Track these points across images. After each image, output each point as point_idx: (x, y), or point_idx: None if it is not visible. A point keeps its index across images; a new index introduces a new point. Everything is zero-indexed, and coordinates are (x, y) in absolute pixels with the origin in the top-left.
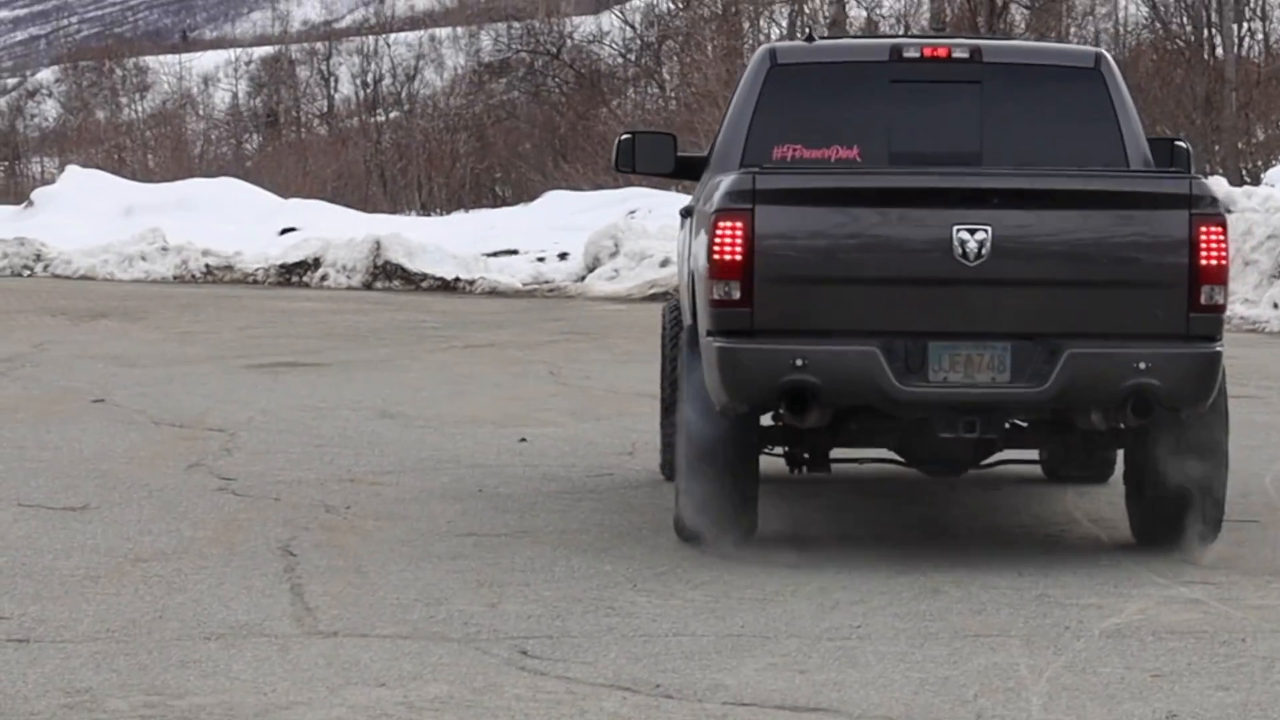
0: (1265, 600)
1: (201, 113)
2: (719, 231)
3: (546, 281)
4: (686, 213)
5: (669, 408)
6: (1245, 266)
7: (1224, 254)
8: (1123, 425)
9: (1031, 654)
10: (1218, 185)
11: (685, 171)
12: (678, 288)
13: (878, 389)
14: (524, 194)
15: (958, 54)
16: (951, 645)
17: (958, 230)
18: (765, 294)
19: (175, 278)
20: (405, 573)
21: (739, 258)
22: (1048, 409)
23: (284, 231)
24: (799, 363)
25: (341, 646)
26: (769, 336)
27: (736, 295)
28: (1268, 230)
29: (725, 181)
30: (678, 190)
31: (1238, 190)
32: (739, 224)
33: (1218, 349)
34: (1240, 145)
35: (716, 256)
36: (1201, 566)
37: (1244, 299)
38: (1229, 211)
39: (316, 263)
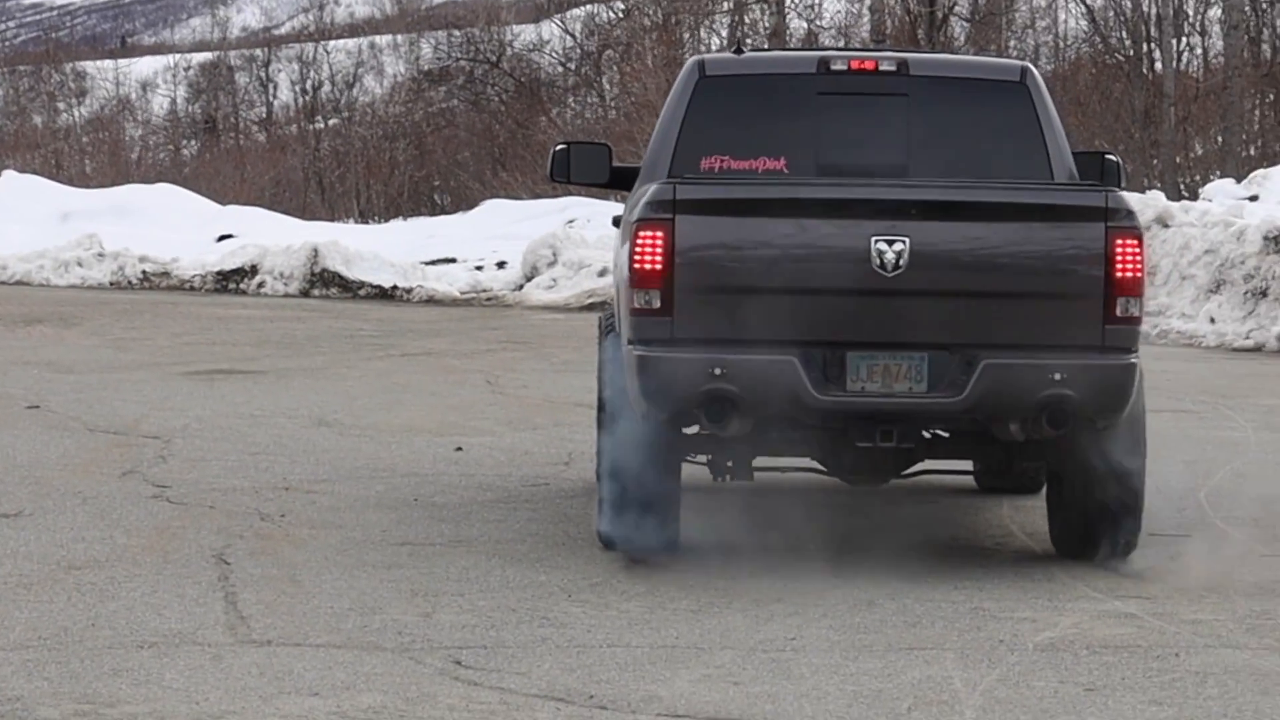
0: (1199, 615)
1: (139, 118)
2: (640, 241)
3: (484, 290)
4: (618, 222)
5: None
6: (1182, 281)
7: (1139, 266)
8: (1040, 436)
9: (965, 667)
10: (1155, 200)
11: (620, 182)
12: (613, 297)
13: (795, 398)
14: (463, 202)
15: (885, 67)
16: (886, 658)
17: (876, 241)
18: (685, 303)
19: (112, 284)
20: (339, 581)
21: (659, 267)
22: (965, 419)
23: (221, 238)
24: (718, 371)
25: (275, 655)
26: (689, 345)
27: (657, 304)
28: (1204, 245)
29: (647, 191)
30: (616, 200)
31: (1175, 205)
32: (659, 234)
33: (1133, 360)
34: (1178, 160)
35: (637, 265)
36: (1136, 581)
37: (1181, 313)
38: (1166, 226)
39: (254, 270)
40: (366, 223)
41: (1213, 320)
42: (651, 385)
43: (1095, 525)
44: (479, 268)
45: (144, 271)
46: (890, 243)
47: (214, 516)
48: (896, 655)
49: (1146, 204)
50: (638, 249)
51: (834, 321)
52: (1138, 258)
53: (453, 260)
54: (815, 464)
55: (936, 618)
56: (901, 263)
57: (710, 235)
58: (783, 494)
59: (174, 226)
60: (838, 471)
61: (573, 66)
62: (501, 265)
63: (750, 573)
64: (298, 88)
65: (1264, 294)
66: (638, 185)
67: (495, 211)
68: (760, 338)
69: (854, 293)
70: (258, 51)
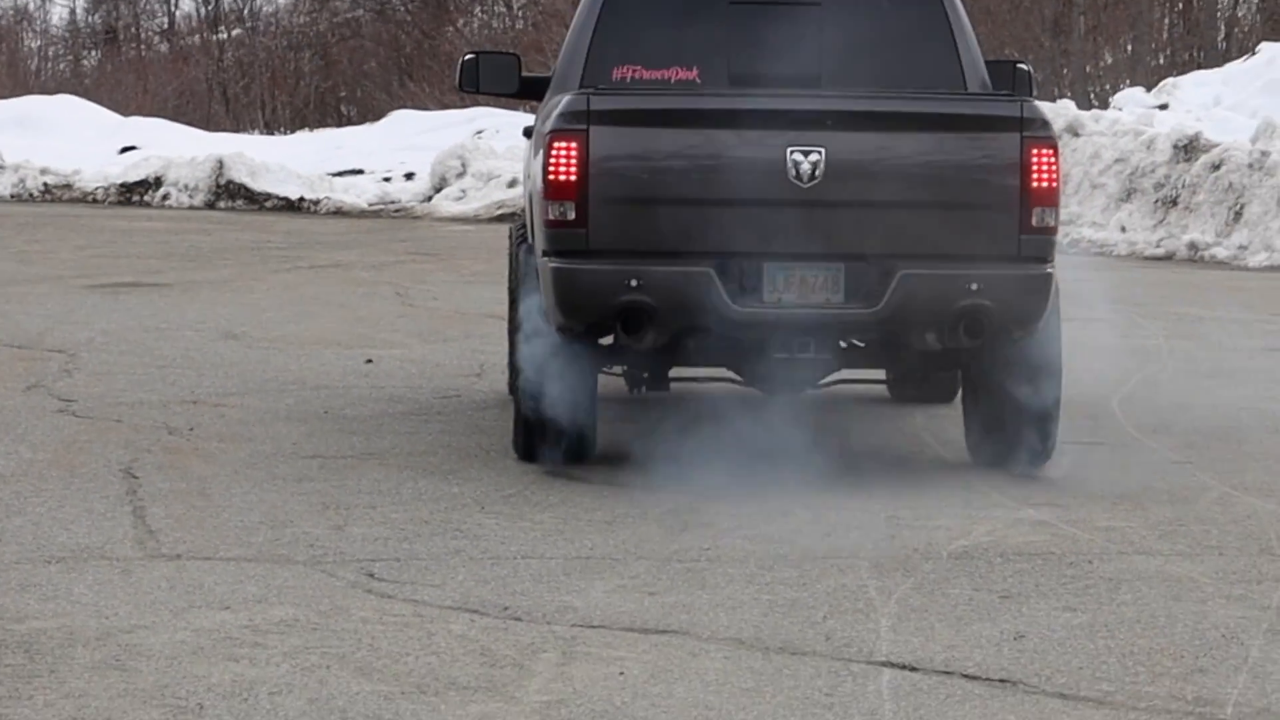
0: (1112, 522)
1: (38, 29)
2: (554, 152)
3: (393, 202)
4: (529, 133)
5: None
6: (1093, 190)
7: (1055, 176)
8: (957, 346)
9: (880, 576)
10: (1065, 109)
11: (529, 92)
12: (524, 208)
13: (712, 310)
14: (369, 113)
15: None
16: (801, 567)
17: (791, 152)
18: (600, 215)
19: (12, 196)
20: (249, 495)
21: (573, 178)
22: (882, 330)
23: (124, 150)
24: (634, 283)
25: (184, 570)
26: (604, 257)
27: (571, 216)
28: (1115, 154)
29: (561, 102)
30: (525, 110)
31: (1086, 114)
32: (573, 145)
33: (1049, 270)
34: (1088, 69)
35: (551, 177)
36: (1050, 489)
37: (1092, 222)
38: (1076, 135)
39: (158, 182)
40: (272, 134)
41: (1124, 229)
42: (567, 297)
43: (1010, 434)
44: (387, 179)
45: (45, 184)
46: (806, 154)
47: (121, 431)
48: (811, 564)
49: (1057, 113)
50: (551, 160)
51: (750, 233)
52: (1053, 168)
53: (360, 172)
54: (732, 375)
55: (851, 527)
56: (817, 173)
57: (625, 146)
58: (698, 405)
59: (76, 138)
60: (754, 382)
61: None
62: (410, 177)
63: (665, 484)
64: None
65: (1174, 203)
66: (549, 96)
67: (403, 122)
68: (677, 249)
69: (770, 204)
70: None
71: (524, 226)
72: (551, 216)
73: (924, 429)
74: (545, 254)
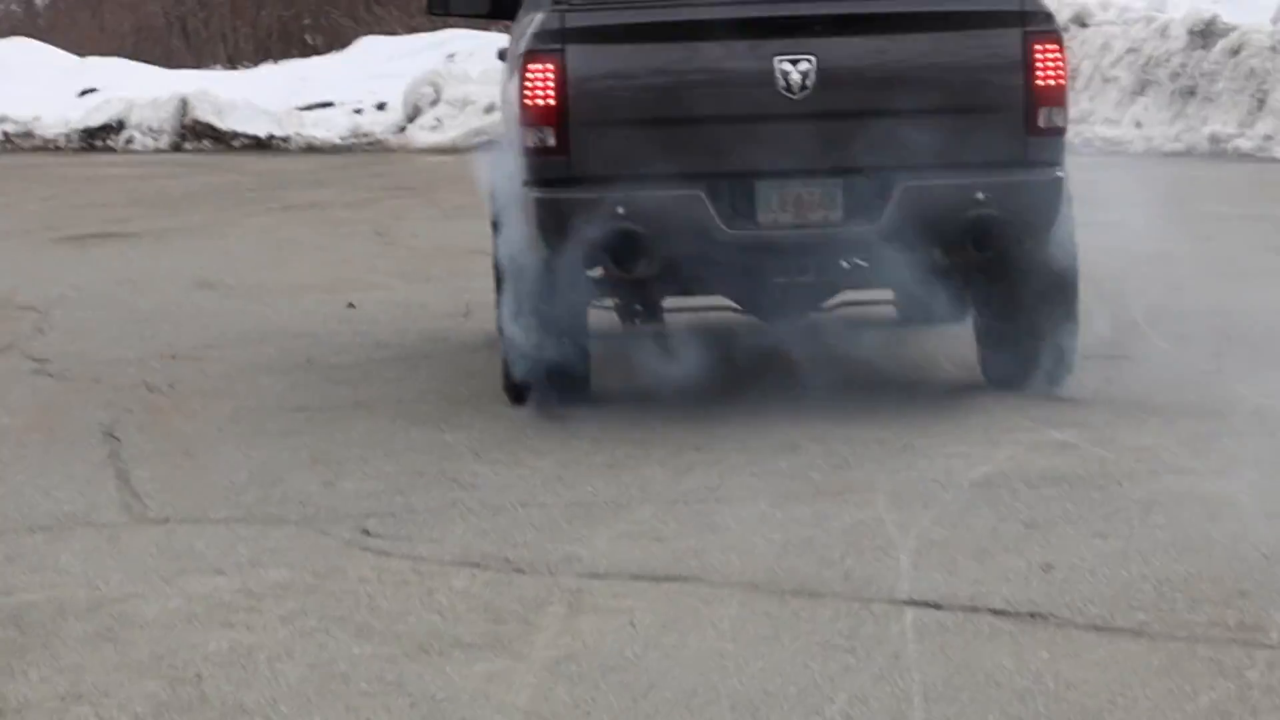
0: (1140, 440)
1: None
2: (529, 75)
3: (365, 134)
4: (504, 56)
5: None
6: (1104, 84)
7: (1062, 73)
8: (965, 260)
9: (898, 509)
10: None
11: (502, 11)
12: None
13: (704, 234)
14: (336, 41)
15: None
16: (814, 504)
17: (779, 62)
18: (582, 139)
19: None
20: (236, 453)
21: (552, 102)
22: (884, 247)
23: (84, 93)
24: (621, 210)
25: (174, 534)
26: (588, 184)
27: (551, 142)
28: (1126, 44)
29: (534, 21)
30: (500, 30)
31: (1093, 1)
32: (550, 66)
33: (1059, 174)
34: None
35: (528, 101)
36: (1073, 407)
37: (1104, 119)
38: (1084, 25)
39: (120, 125)
40: (235, 68)
41: (1139, 124)
42: (550, 228)
43: (1027, 351)
44: (358, 111)
45: (4, 132)
46: (795, 62)
47: (99, 390)
48: (825, 500)
49: (1062, 2)
50: (528, 84)
51: (741, 150)
52: (1059, 64)
53: (330, 104)
54: (729, 303)
55: (865, 459)
56: (808, 83)
57: (604, 65)
58: (696, 337)
59: (32, 82)
60: (753, 309)
61: None
62: (381, 107)
63: (666, 422)
64: None
65: (1192, 93)
66: (522, 14)
67: (371, 50)
68: (664, 172)
69: (760, 118)
70: None
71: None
72: (530, 143)
73: (936, 350)
74: (526, 183)
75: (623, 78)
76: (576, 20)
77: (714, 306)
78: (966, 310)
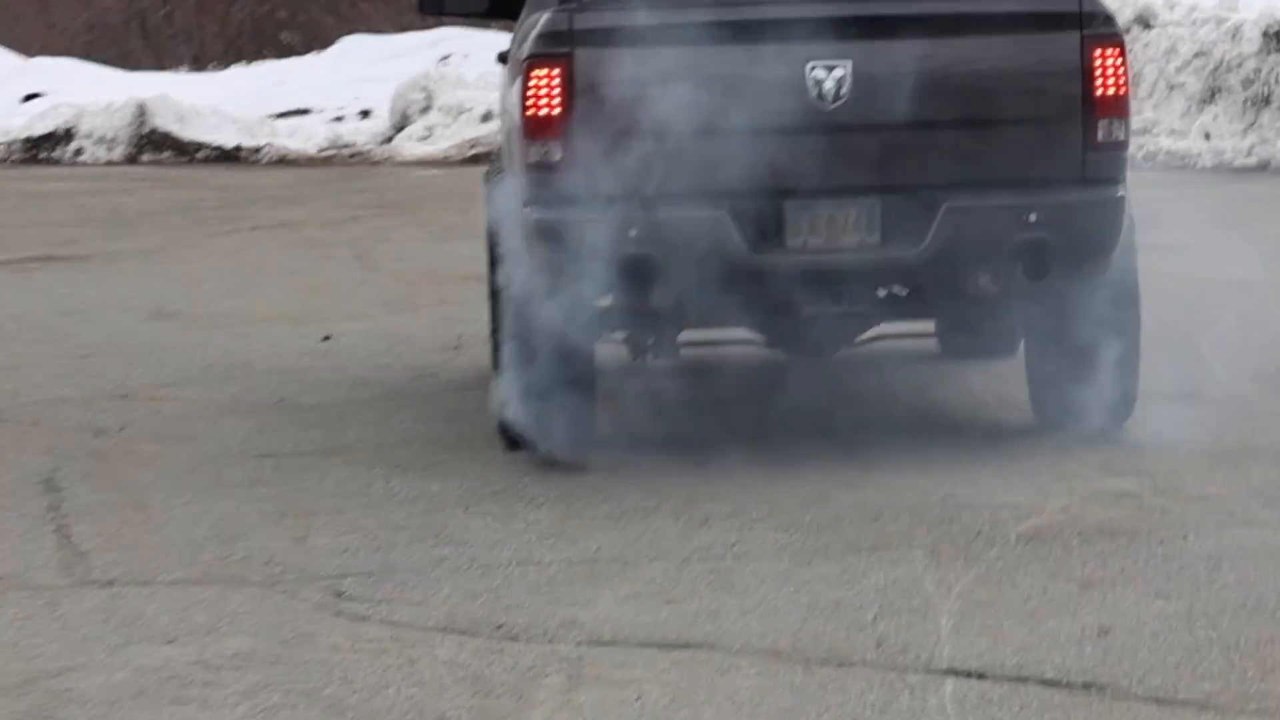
0: (1206, 489)
1: None
2: (532, 81)
3: (347, 145)
4: (505, 59)
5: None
6: (1170, 91)
7: (1123, 80)
8: (1015, 288)
9: (938, 567)
10: None
11: (503, 9)
12: (502, 147)
13: (727, 260)
14: (315, 41)
15: None
16: (844, 561)
17: (812, 67)
18: (591, 154)
19: None
20: (193, 505)
21: (557, 111)
22: (927, 274)
23: (28, 98)
24: (634, 233)
25: (121, 597)
26: (597, 204)
27: (557, 156)
28: (1194, 47)
29: (539, 21)
30: (499, 29)
31: (1157, 0)
32: (556, 71)
33: (1121, 193)
34: None
35: (531, 111)
36: (1133, 453)
37: (1170, 129)
38: (1148, 27)
39: (69, 134)
40: (202, 70)
41: (1208, 136)
42: (555, 253)
43: (1083, 390)
44: (339, 118)
45: None
46: (829, 68)
47: (39, 434)
48: (856, 557)
49: (1124, 2)
50: (531, 91)
51: (768, 166)
52: (1120, 70)
53: (307, 111)
54: (752, 336)
55: (901, 510)
56: (843, 91)
57: (616, 70)
58: (715, 374)
59: None
60: (779, 343)
61: None
62: (365, 114)
63: (679, 469)
64: None
65: (1266, 101)
66: (525, 13)
67: (354, 50)
68: (682, 191)
69: (790, 131)
70: None
71: (503, 169)
72: (533, 158)
73: (982, 388)
74: (528, 203)
75: (636, 85)
76: (586, 20)
77: (735, 340)
78: (1016, 343)
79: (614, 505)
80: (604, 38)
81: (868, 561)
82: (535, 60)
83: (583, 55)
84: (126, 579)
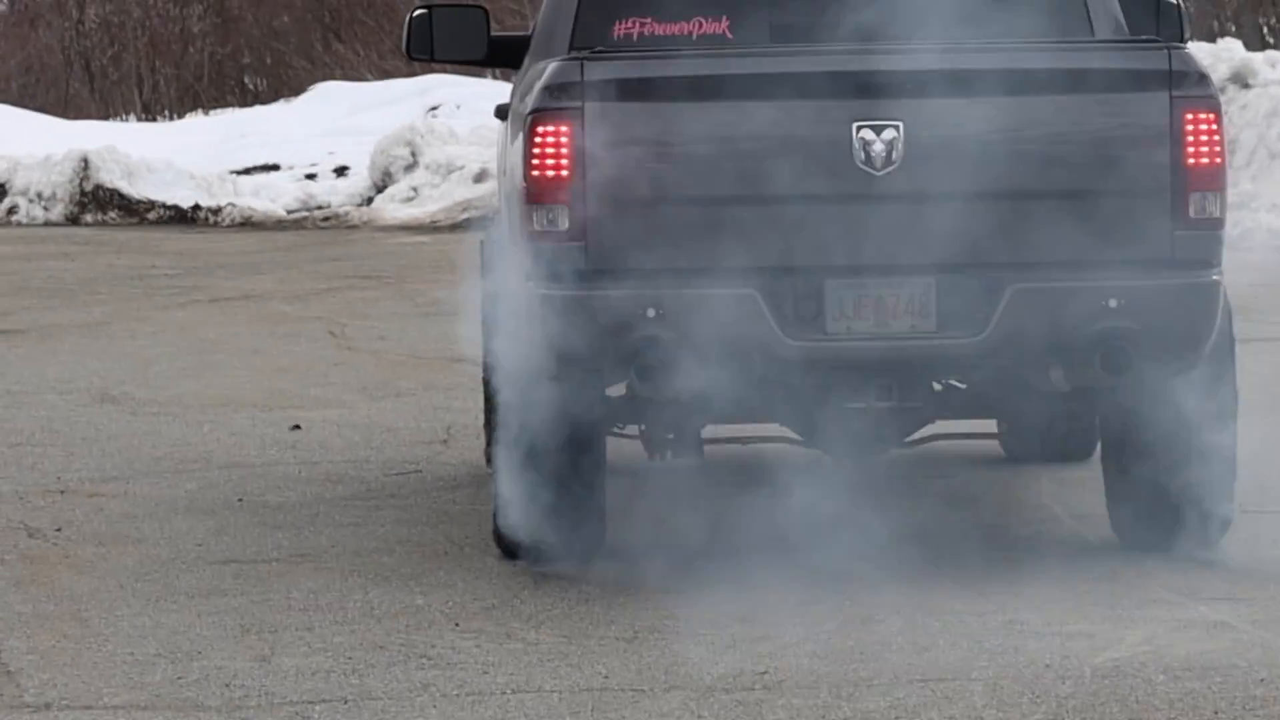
0: None
1: None
2: (537, 140)
3: (320, 206)
4: (503, 114)
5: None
6: (1271, 160)
7: (1218, 148)
8: (1092, 385)
9: (1000, 705)
10: (1230, 51)
11: (502, 57)
12: (499, 211)
13: (758, 345)
14: (284, 88)
15: None
16: (891, 695)
17: (859, 129)
18: (603, 222)
19: None
20: (141, 618)
21: (565, 174)
22: (989, 366)
23: None
24: (652, 313)
25: None
26: (610, 279)
27: (564, 225)
28: None
29: (545, 72)
30: (496, 78)
31: (1258, 56)
32: (564, 129)
33: (1215, 277)
34: None
35: (536, 174)
36: (1228, 577)
37: (1272, 204)
38: (1246, 86)
39: (1, 190)
40: (154, 119)
41: None
42: (562, 335)
43: (1171, 503)
44: (311, 175)
45: None
46: (878, 130)
47: None
48: (905, 690)
49: (1219, 57)
50: (535, 152)
51: (806, 240)
52: (1215, 137)
53: (275, 167)
54: (787, 432)
55: (958, 636)
56: (894, 156)
57: (633, 128)
58: (743, 474)
59: None
60: (818, 442)
61: None
62: (341, 172)
63: (701, 584)
64: None
65: None
66: (528, 63)
67: (330, 98)
68: (708, 266)
69: (832, 199)
70: None
71: (500, 238)
72: (537, 226)
73: (1052, 498)
74: (530, 277)
75: (656, 145)
76: (598, 71)
77: (767, 437)
78: (1091, 446)
79: (625, 625)
80: (619, 90)
81: (919, 696)
82: (540, 115)
83: (594, 110)
84: (64, 703)
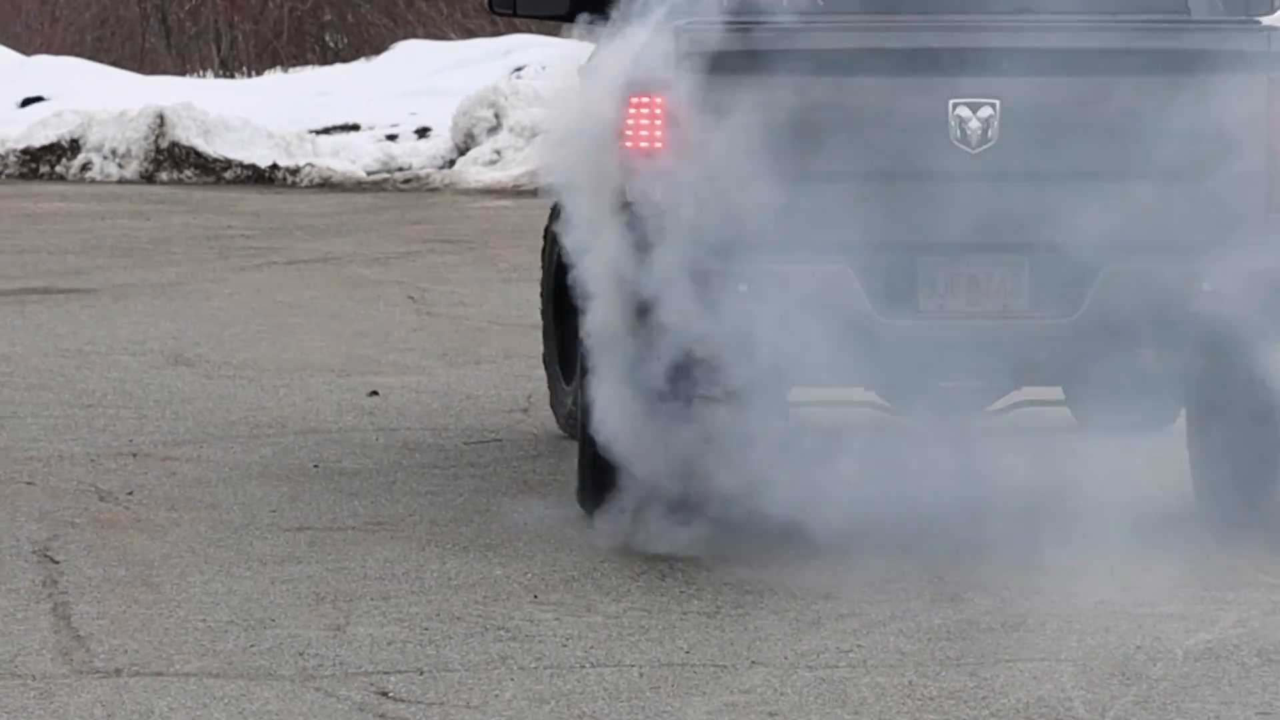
0: None
1: None
2: (630, 115)
3: (401, 168)
4: (588, 73)
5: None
6: None
7: None
8: (1185, 366)
9: (1090, 685)
10: None
11: (587, 9)
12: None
13: (850, 321)
14: (365, 46)
15: None
16: (978, 675)
17: (955, 106)
18: (695, 196)
19: None
20: (213, 584)
21: (659, 146)
22: (1082, 344)
23: (27, 102)
24: (744, 288)
25: (127, 690)
26: (702, 253)
27: (657, 199)
28: None
29: (639, 41)
30: (582, 39)
31: None
32: (659, 102)
33: None
34: None
35: (629, 145)
36: None
37: None
38: None
39: (75, 146)
40: (232, 76)
41: None
42: (654, 306)
43: (1262, 478)
44: (391, 137)
45: None
46: (975, 107)
47: (34, 496)
48: (993, 670)
49: None
50: (630, 124)
51: (900, 217)
52: None
53: (355, 127)
54: (873, 397)
55: (1047, 615)
56: (990, 134)
57: (729, 102)
58: (829, 441)
59: None
60: (905, 409)
61: None
62: (423, 133)
63: (786, 559)
64: None
65: None
66: (619, 23)
67: (411, 58)
68: (801, 241)
69: (927, 176)
70: None
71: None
72: (629, 199)
73: (1143, 469)
74: (622, 249)
75: (751, 119)
76: (695, 43)
77: (854, 401)
78: (1172, 414)
79: (708, 600)
80: (715, 63)
81: (1007, 676)
82: (635, 86)
83: (690, 82)
84: (134, 669)
